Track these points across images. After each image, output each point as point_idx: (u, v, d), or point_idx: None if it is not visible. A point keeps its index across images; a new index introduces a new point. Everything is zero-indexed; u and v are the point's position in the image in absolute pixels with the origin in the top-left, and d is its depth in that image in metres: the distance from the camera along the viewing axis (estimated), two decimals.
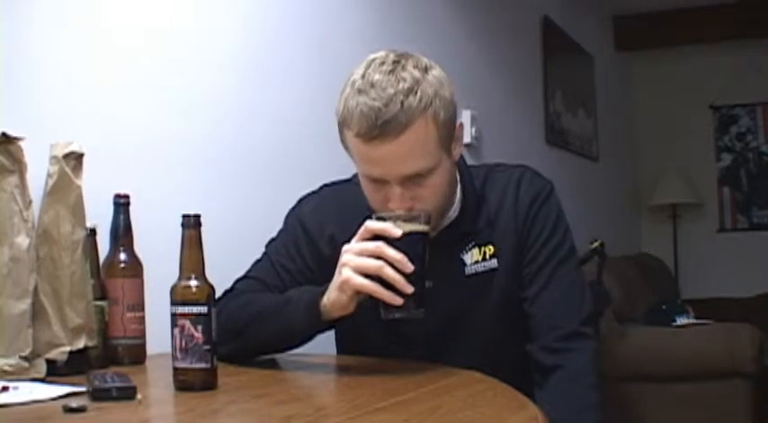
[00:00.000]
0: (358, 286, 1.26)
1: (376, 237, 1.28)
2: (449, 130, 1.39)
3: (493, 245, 1.52)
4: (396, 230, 1.27)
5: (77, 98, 1.64)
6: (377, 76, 1.33)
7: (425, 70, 1.36)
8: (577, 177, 4.66)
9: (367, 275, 1.26)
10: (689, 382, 3.30)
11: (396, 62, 1.35)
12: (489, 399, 1.16)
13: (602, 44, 5.40)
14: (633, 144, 5.93)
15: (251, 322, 1.40)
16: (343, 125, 1.37)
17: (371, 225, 1.28)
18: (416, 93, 1.32)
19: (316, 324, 1.35)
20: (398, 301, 1.25)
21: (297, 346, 1.44)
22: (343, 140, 1.41)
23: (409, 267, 1.25)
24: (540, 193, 1.54)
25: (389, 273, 1.25)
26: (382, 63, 1.35)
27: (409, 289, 1.25)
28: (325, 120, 2.34)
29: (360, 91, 1.32)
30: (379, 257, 1.26)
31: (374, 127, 1.30)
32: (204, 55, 1.99)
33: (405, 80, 1.32)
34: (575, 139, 4.67)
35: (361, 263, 1.26)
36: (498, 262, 1.51)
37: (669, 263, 5.46)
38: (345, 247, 1.30)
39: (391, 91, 1.31)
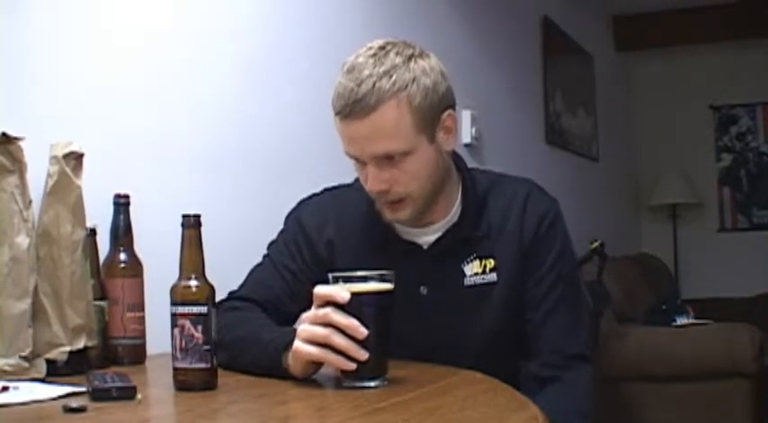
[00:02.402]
0: (306, 356, 1.22)
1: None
2: (427, 117, 1.40)
3: (494, 259, 1.51)
4: (343, 295, 1.19)
5: (77, 98, 1.64)
6: (360, 60, 1.38)
7: (410, 58, 1.39)
8: (577, 177, 4.66)
9: (319, 343, 1.20)
10: (689, 382, 3.31)
11: (381, 48, 1.39)
12: (489, 399, 1.16)
13: (602, 44, 5.40)
14: (633, 144, 5.93)
15: (232, 346, 1.36)
16: (332, 106, 1.42)
17: (319, 291, 1.22)
18: (391, 76, 1.36)
19: (281, 375, 1.28)
20: (350, 366, 1.18)
21: None
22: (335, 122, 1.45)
23: (361, 333, 1.17)
24: (549, 214, 1.53)
25: (337, 341, 1.18)
26: (370, 48, 1.40)
27: (362, 356, 1.17)
28: (325, 121, 2.34)
29: (345, 73, 1.38)
30: (328, 324, 1.19)
31: (346, 105, 1.36)
32: (205, 55, 1.99)
33: (383, 64, 1.37)
34: (575, 139, 4.68)
35: (311, 332, 1.21)
36: (498, 276, 1.51)
37: (669, 263, 5.46)
38: (302, 317, 1.25)
39: (366, 73, 1.36)
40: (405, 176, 1.41)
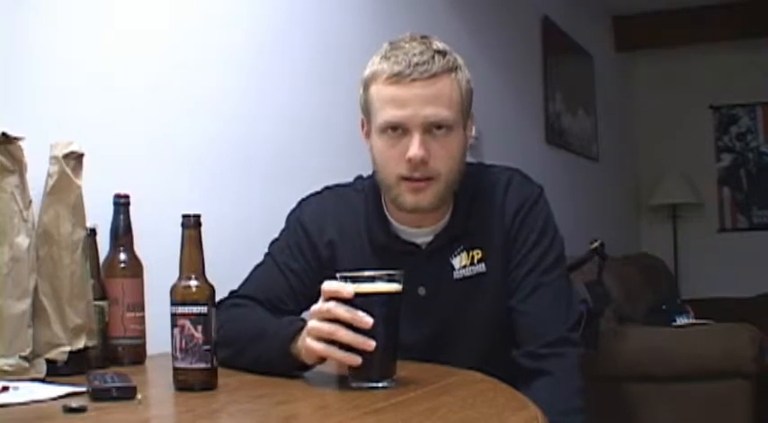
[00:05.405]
0: (315, 352, 1.22)
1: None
2: (466, 103, 1.48)
3: (481, 249, 1.51)
4: (348, 290, 1.17)
5: (77, 98, 1.64)
6: (407, 44, 1.44)
7: (451, 51, 1.47)
8: (577, 177, 4.66)
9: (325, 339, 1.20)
10: (689, 382, 3.30)
11: (426, 36, 1.46)
12: (489, 399, 1.16)
13: (602, 44, 5.40)
14: (633, 144, 5.93)
15: (234, 342, 1.37)
16: (370, 81, 1.44)
17: (326, 287, 1.20)
18: (445, 56, 1.44)
19: (291, 366, 1.29)
20: (356, 361, 1.17)
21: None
22: (365, 101, 1.46)
23: (366, 323, 1.16)
24: (528, 199, 1.53)
25: (343, 335, 1.17)
26: (411, 35, 1.46)
27: (370, 346, 1.16)
28: (325, 120, 2.34)
29: (391, 49, 1.43)
30: (333, 319, 1.18)
31: (408, 67, 1.40)
32: (205, 55, 1.99)
33: (434, 46, 1.44)
34: (575, 139, 4.68)
35: (318, 328, 1.20)
36: (486, 266, 1.51)
37: (669, 263, 5.46)
38: (311, 310, 1.25)
39: (424, 48, 1.42)
40: (443, 152, 1.43)
